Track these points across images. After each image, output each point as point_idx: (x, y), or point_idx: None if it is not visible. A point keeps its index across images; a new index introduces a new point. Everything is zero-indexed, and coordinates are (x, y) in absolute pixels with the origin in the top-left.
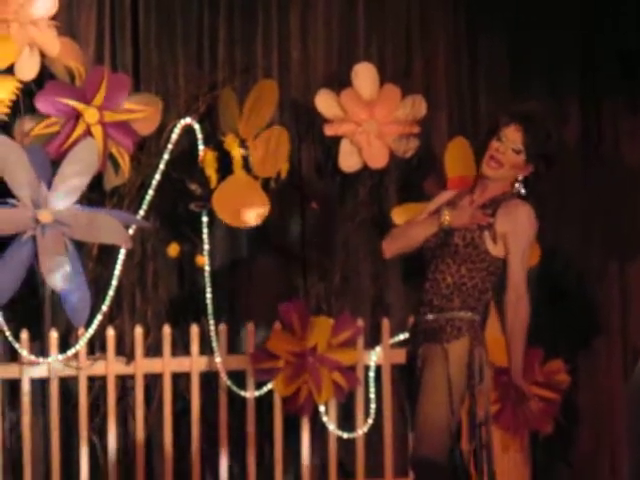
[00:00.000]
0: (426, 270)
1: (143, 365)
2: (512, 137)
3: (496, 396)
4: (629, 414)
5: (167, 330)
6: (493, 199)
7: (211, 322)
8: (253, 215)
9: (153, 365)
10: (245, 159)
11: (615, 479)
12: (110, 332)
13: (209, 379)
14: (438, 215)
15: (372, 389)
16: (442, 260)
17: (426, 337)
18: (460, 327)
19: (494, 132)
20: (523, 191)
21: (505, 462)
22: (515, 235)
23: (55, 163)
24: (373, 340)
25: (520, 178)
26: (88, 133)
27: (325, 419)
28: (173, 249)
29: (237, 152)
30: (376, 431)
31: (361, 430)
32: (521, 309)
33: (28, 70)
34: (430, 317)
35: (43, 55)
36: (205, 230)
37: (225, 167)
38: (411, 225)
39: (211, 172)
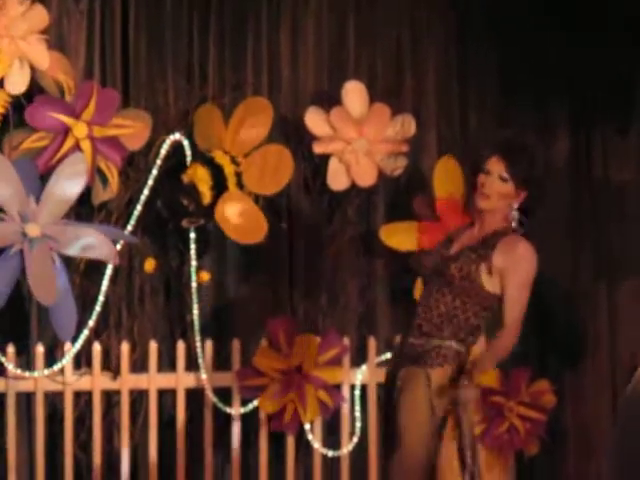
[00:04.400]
0: (422, 294)
1: (129, 381)
2: (496, 167)
3: (481, 416)
4: (620, 429)
5: (153, 346)
6: (494, 233)
7: (197, 338)
8: None
9: (139, 381)
10: (238, 176)
11: None
12: (96, 347)
13: (195, 395)
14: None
15: (358, 407)
16: (438, 288)
17: (410, 360)
18: (446, 355)
19: (480, 168)
20: (521, 221)
21: None
22: (513, 272)
23: (44, 177)
24: (359, 359)
25: (516, 207)
26: (77, 148)
27: (310, 437)
28: (149, 264)
29: (230, 169)
30: (361, 450)
31: (346, 449)
32: (509, 343)
33: (18, 84)
34: (416, 341)
35: (33, 69)
36: (193, 246)
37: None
38: None
39: (204, 188)
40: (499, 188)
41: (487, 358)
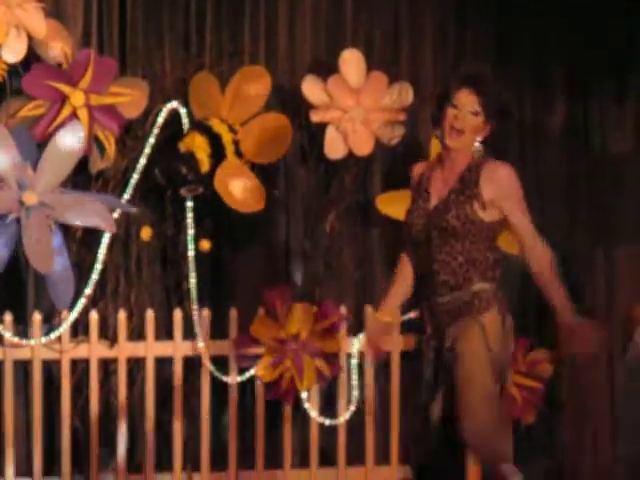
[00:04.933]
0: (425, 253)
1: (126, 349)
2: (466, 100)
3: None
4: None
5: (150, 314)
6: (469, 168)
7: (195, 307)
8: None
9: (136, 349)
10: (235, 144)
11: (597, 469)
12: (94, 315)
13: (192, 364)
14: None
15: (354, 376)
16: (444, 242)
17: (452, 316)
18: (487, 299)
19: (446, 100)
20: (483, 152)
21: None
22: (505, 197)
23: (41, 145)
24: (356, 327)
25: (479, 140)
26: (74, 116)
27: (307, 405)
28: (145, 232)
29: (228, 137)
30: (358, 418)
31: (343, 417)
32: (543, 252)
33: (15, 52)
34: (449, 298)
35: (30, 37)
36: (190, 215)
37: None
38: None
39: (203, 156)
40: (471, 122)
41: (553, 286)
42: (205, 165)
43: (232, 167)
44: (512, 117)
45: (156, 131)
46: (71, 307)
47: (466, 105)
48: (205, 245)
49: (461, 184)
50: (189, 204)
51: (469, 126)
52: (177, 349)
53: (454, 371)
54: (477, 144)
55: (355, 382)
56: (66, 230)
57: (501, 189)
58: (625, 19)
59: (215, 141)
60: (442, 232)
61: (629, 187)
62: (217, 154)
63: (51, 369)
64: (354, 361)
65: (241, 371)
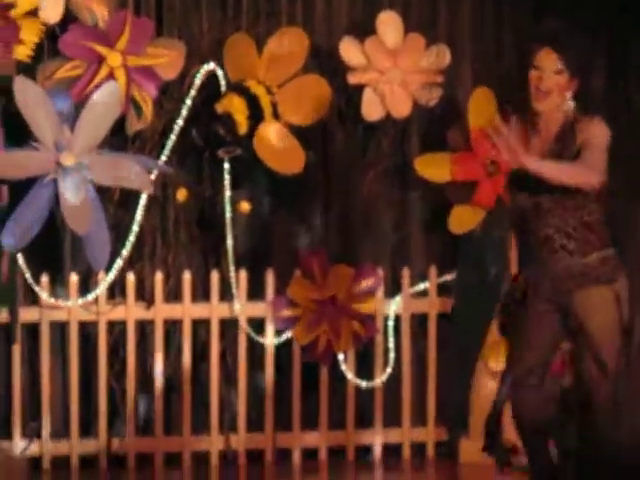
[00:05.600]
0: (535, 220)
1: (163, 310)
2: (548, 61)
3: None
4: None
5: (187, 276)
6: (565, 128)
7: (231, 268)
8: None
9: (173, 311)
10: (273, 106)
11: None
12: (130, 277)
13: (229, 326)
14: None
15: (391, 339)
16: (552, 211)
17: (579, 282)
18: (616, 264)
19: (528, 64)
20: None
21: None
22: (588, 139)
23: (78, 106)
24: (393, 289)
25: (569, 97)
26: (111, 77)
27: (344, 368)
28: (181, 194)
29: (266, 99)
30: (394, 381)
31: (379, 379)
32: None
33: (52, 13)
34: (573, 261)
35: None
36: (227, 177)
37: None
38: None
39: (241, 118)
40: (557, 81)
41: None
42: (243, 127)
43: (271, 129)
44: (592, 69)
45: (193, 92)
46: (107, 269)
47: (549, 65)
48: (245, 207)
49: (559, 145)
50: (226, 166)
51: (555, 86)
52: (214, 311)
53: (583, 340)
54: (568, 102)
55: (391, 344)
56: (103, 191)
57: (589, 133)
58: None
59: (253, 103)
60: (548, 204)
61: None
62: (255, 116)
63: (88, 331)
64: (390, 323)
65: (278, 333)
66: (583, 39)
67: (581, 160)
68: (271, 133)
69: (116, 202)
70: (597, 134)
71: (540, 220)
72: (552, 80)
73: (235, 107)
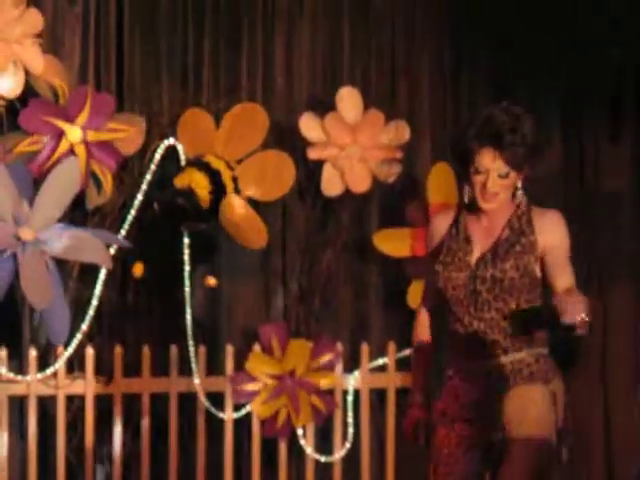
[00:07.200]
0: (465, 311)
1: (122, 385)
2: (491, 165)
3: None
4: None
5: (146, 350)
6: (517, 215)
7: (190, 343)
8: None
9: (132, 385)
10: (234, 181)
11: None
12: (89, 351)
13: (188, 400)
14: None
15: (350, 413)
16: (494, 297)
17: (508, 382)
18: (551, 364)
19: (468, 161)
20: (523, 196)
21: None
22: (557, 246)
23: (37, 181)
24: (352, 364)
25: (519, 186)
26: (71, 152)
27: (303, 442)
28: (137, 269)
29: (227, 174)
30: (354, 455)
31: (338, 454)
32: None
33: (12, 87)
34: (506, 359)
35: (27, 73)
36: (187, 251)
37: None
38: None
39: (203, 193)
40: (503, 183)
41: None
42: (206, 201)
43: (235, 204)
44: (543, 152)
45: (153, 167)
46: (67, 343)
47: (492, 170)
48: (211, 281)
49: (512, 232)
50: (186, 240)
51: (501, 187)
52: (173, 385)
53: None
54: (519, 192)
55: (351, 419)
56: (62, 266)
57: (555, 238)
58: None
59: (214, 178)
60: (494, 286)
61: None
62: (217, 191)
63: (46, 405)
64: (350, 398)
65: (237, 407)
66: (532, 125)
67: (570, 288)
68: (235, 208)
69: (75, 276)
70: (565, 238)
71: (471, 311)
72: (497, 184)
73: (197, 182)
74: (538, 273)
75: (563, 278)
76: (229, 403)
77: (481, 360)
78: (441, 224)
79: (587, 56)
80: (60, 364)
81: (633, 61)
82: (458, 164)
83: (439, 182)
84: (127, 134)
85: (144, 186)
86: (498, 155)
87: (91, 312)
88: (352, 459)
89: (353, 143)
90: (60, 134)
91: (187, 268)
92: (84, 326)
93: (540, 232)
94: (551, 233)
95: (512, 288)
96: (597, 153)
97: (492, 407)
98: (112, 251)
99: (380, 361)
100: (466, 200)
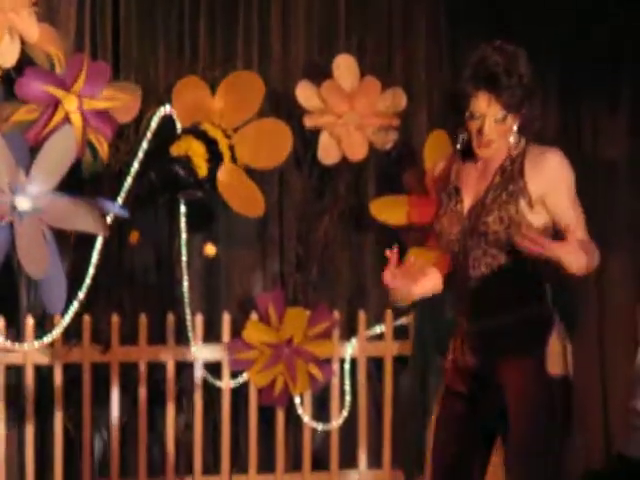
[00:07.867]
0: (462, 267)
1: (119, 353)
2: (487, 110)
3: None
4: None
5: (143, 319)
6: (510, 159)
7: (187, 311)
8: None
9: (129, 353)
10: (231, 149)
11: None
12: (86, 320)
13: (185, 369)
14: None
15: (347, 381)
16: (484, 252)
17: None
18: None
19: (464, 107)
20: (523, 139)
21: None
22: (556, 191)
23: (33, 150)
24: (349, 332)
25: (515, 129)
26: (67, 120)
27: (300, 411)
28: (133, 236)
29: (224, 143)
30: (351, 423)
31: (336, 422)
32: (592, 261)
33: (7, 56)
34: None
35: (23, 41)
36: (183, 219)
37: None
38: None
39: (200, 161)
40: (499, 128)
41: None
42: (203, 170)
43: (232, 172)
44: (539, 95)
45: (149, 135)
46: (64, 312)
47: (488, 115)
48: (210, 249)
49: (502, 178)
50: (182, 209)
51: (497, 133)
52: (170, 354)
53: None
54: (515, 135)
55: (348, 387)
56: (59, 234)
57: (549, 181)
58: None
59: (211, 146)
60: (480, 240)
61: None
62: (214, 159)
63: (43, 374)
64: (347, 366)
65: (234, 376)
66: (526, 63)
67: (572, 238)
68: (232, 177)
69: (72, 245)
70: (562, 179)
71: (466, 267)
72: (494, 130)
73: (194, 150)
74: (534, 223)
75: (567, 226)
76: (226, 372)
77: (472, 322)
78: (438, 173)
79: (586, 25)
80: (57, 333)
81: (633, 26)
82: (453, 111)
83: (436, 149)
84: (123, 102)
85: (140, 154)
86: (494, 99)
87: (88, 280)
88: (349, 427)
89: (350, 111)
90: (56, 102)
91: (184, 236)
92: (81, 294)
93: (531, 177)
94: (543, 177)
95: (498, 242)
96: (595, 123)
97: (491, 374)
98: (109, 219)
99: (377, 329)
100: (458, 147)
